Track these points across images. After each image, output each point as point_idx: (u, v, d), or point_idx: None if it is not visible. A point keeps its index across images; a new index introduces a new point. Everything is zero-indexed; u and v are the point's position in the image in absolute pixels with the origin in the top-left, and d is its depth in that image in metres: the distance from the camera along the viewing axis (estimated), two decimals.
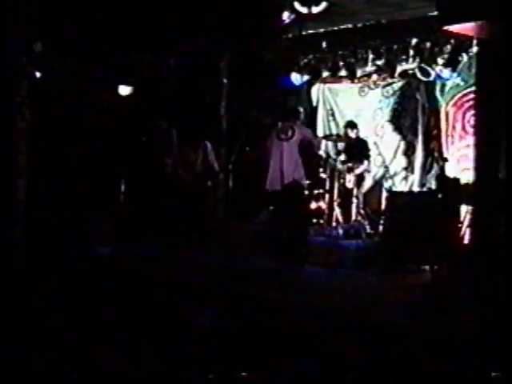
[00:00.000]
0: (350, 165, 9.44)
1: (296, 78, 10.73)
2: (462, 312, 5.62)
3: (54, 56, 9.71)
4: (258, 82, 10.46)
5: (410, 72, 9.95)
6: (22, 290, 5.23)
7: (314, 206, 9.19)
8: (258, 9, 9.32)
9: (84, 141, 10.33)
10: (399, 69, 9.92)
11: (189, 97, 10.65)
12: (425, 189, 9.75)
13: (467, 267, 6.56)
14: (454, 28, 6.72)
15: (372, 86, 10.72)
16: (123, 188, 10.07)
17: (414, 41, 9.54)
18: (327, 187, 9.44)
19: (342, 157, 9.86)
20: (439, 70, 9.51)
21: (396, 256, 8.00)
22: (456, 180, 8.68)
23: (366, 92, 10.81)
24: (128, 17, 9.51)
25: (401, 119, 10.46)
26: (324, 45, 10.35)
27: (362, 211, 9.32)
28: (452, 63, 9.35)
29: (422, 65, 9.61)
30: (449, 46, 9.23)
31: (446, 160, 9.39)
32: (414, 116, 10.28)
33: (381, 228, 9.02)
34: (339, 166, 9.58)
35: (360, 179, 9.47)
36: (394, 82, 10.46)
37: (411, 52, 9.59)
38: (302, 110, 8.83)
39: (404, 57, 9.70)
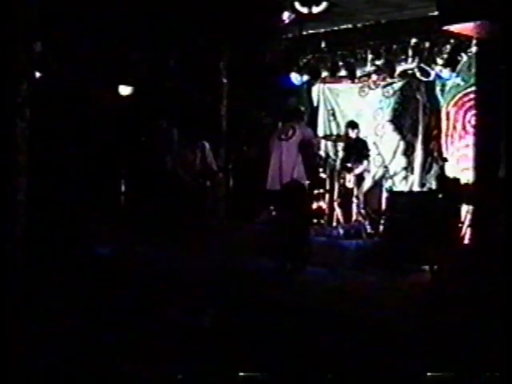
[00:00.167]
0: (349, 165, 9.45)
1: (296, 78, 10.74)
2: (462, 312, 5.62)
3: (54, 56, 9.70)
4: (258, 82, 10.46)
5: (410, 72, 9.97)
6: (21, 290, 5.23)
7: (314, 205, 9.19)
8: (258, 9, 9.33)
9: (84, 141, 10.32)
10: (399, 69, 9.94)
11: (189, 97, 10.65)
12: (425, 189, 9.76)
13: (467, 267, 6.55)
14: (454, 28, 6.73)
15: (372, 86, 10.73)
16: (123, 188, 10.07)
17: (413, 41, 9.55)
18: (327, 187, 9.45)
19: (342, 157, 9.87)
20: (439, 69, 9.53)
21: (396, 256, 8.00)
22: (456, 180, 8.70)
23: (366, 92, 10.82)
24: (128, 17, 9.51)
25: (401, 119, 10.47)
26: (324, 45, 10.37)
27: (362, 211, 9.33)
28: (451, 63, 9.36)
29: (422, 65, 9.63)
30: (448, 46, 9.25)
31: (445, 160, 9.40)
32: (415, 116, 10.28)
33: (381, 228, 9.04)
34: (339, 165, 9.59)
35: (360, 179, 9.48)
36: (394, 82, 10.47)
37: (411, 52, 9.61)
38: (303, 110, 8.84)
39: (403, 57, 9.72)
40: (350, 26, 10.03)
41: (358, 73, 10.40)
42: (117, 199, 10.08)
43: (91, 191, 9.70)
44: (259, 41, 10.23)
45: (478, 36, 7.23)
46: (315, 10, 8.61)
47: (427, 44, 9.42)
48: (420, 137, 10.21)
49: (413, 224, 8.06)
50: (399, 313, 5.92)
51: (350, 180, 9.43)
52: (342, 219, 9.26)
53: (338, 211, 9.30)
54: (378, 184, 10.14)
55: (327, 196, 9.38)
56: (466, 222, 8.17)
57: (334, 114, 11.21)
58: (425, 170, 10.06)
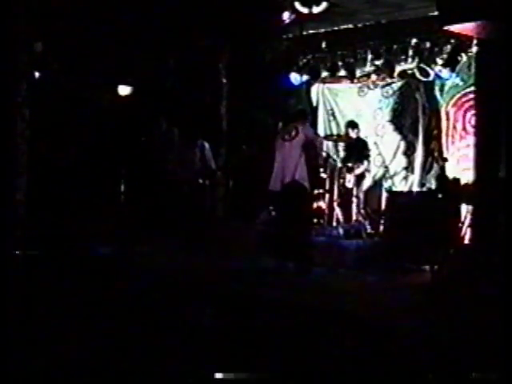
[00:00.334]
0: (349, 165, 9.45)
1: (295, 78, 10.74)
2: (462, 312, 5.62)
3: (54, 56, 9.71)
4: (258, 82, 10.46)
5: (409, 72, 9.96)
6: (21, 290, 5.23)
7: (314, 205, 9.18)
8: (258, 9, 9.33)
9: (84, 141, 10.32)
10: (398, 69, 9.94)
11: (189, 96, 10.65)
12: (425, 189, 9.76)
13: (467, 267, 6.56)
14: (454, 28, 6.74)
15: (371, 86, 10.72)
16: (123, 188, 10.07)
17: (413, 41, 9.55)
18: (327, 187, 9.44)
19: (343, 157, 9.87)
20: (438, 69, 9.53)
21: (396, 256, 8.00)
22: (456, 180, 8.70)
23: (366, 92, 10.81)
24: (128, 17, 9.51)
25: (401, 119, 10.47)
26: (324, 45, 10.36)
27: (362, 211, 9.33)
28: (451, 63, 9.36)
29: (421, 65, 9.62)
30: (448, 46, 9.25)
31: (445, 160, 9.40)
32: (415, 116, 10.28)
33: (381, 228, 9.03)
34: (339, 165, 9.59)
35: (360, 179, 9.47)
36: (393, 82, 10.46)
37: (410, 52, 9.61)
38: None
39: (403, 57, 9.71)
40: (350, 26, 10.03)
41: (358, 73, 10.40)
42: (117, 199, 10.07)
43: (91, 191, 9.70)
44: (259, 41, 10.23)
45: (478, 36, 7.23)
46: (315, 10, 8.60)
47: (427, 44, 9.41)
48: (420, 137, 10.20)
49: (413, 224, 8.05)
50: (399, 313, 5.92)
51: (349, 180, 9.43)
52: (341, 219, 9.26)
53: (337, 211, 9.29)
54: (377, 184, 10.14)
55: (327, 196, 9.37)
56: (466, 222, 8.16)
57: (333, 114, 11.20)
58: (425, 170, 10.06)
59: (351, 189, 9.39)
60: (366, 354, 4.63)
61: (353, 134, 9.75)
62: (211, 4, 9.23)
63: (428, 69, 9.63)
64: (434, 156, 9.93)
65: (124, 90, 10.91)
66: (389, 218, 8.81)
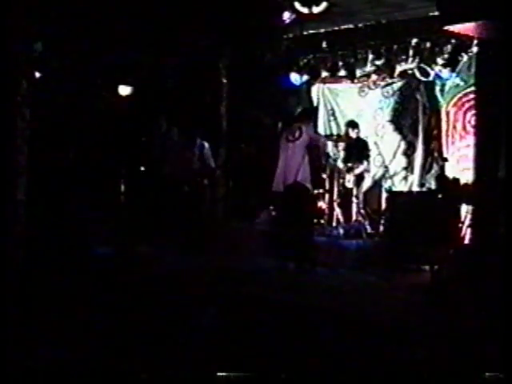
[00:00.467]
0: (349, 165, 9.45)
1: (295, 78, 10.74)
2: (462, 312, 5.62)
3: (54, 56, 9.70)
4: (258, 82, 10.46)
5: (410, 72, 9.96)
6: (22, 290, 5.23)
7: (316, 207, 9.19)
8: (258, 9, 9.32)
9: (84, 141, 10.32)
10: (398, 69, 9.94)
11: (189, 97, 10.65)
12: (425, 189, 9.75)
13: (467, 267, 6.55)
14: (455, 28, 6.74)
15: (372, 86, 10.72)
16: (123, 188, 10.07)
17: (413, 41, 9.55)
18: (327, 187, 9.44)
19: (343, 157, 9.87)
20: (438, 70, 9.53)
21: (396, 256, 8.00)
22: (456, 180, 8.70)
23: (366, 92, 10.81)
24: (128, 17, 9.51)
25: (401, 119, 10.46)
26: (324, 45, 10.36)
27: (362, 211, 9.33)
28: (451, 63, 9.36)
29: (422, 65, 9.62)
30: (449, 46, 9.24)
31: (445, 160, 9.40)
32: (415, 116, 10.28)
33: (381, 228, 9.04)
34: (339, 165, 9.59)
35: (360, 179, 9.48)
36: (393, 82, 10.46)
37: (411, 52, 9.61)
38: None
39: (403, 57, 9.71)
40: (350, 26, 10.02)
41: (358, 73, 10.40)
42: (117, 199, 10.08)
43: (91, 191, 9.71)
44: (259, 41, 10.23)
45: (479, 36, 7.23)
46: (315, 10, 8.60)
47: (428, 44, 9.41)
48: (420, 137, 10.20)
49: (413, 224, 8.05)
50: (399, 313, 5.92)
51: (349, 180, 9.43)
52: (341, 219, 9.26)
53: (337, 211, 9.30)
54: (377, 184, 10.14)
55: (327, 196, 9.37)
56: (466, 222, 8.17)
57: (333, 114, 11.20)
58: (425, 170, 10.06)
59: (351, 189, 9.39)
60: (366, 354, 4.63)
61: (353, 133, 9.75)
62: (211, 4, 9.23)
63: (428, 69, 9.64)
64: (434, 156, 9.93)
65: (124, 90, 10.91)
66: (389, 218, 8.81)
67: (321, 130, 11.23)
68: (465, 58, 9.30)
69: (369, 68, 10.19)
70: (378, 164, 10.43)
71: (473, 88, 8.90)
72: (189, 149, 9.69)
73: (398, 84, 10.44)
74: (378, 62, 9.97)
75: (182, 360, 4.51)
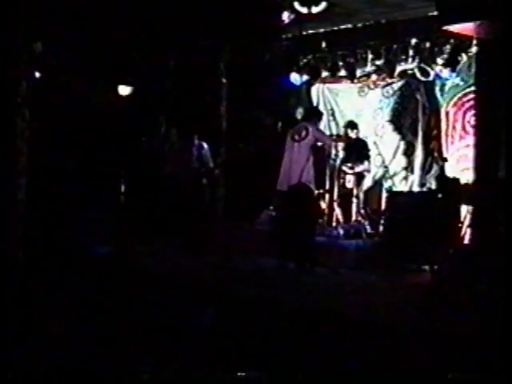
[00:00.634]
0: (349, 165, 9.44)
1: (295, 78, 10.73)
2: (462, 312, 5.62)
3: (54, 56, 9.70)
4: (258, 82, 10.46)
5: (410, 72, 9.96)
6: (22, 290, 5.23)
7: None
8: (258, 9, 9.32)
9: (84, 141, 10.33)
10: (398, 69, 9.93)
11: (189, 97, 10.66)
12: (425, 189, 9.75)
13: (467, 267, 6.55)
14: (454, 28, 6.73)
15: (372, 86, 10.71)
16: (123, 188, 10.08)
17: (413, 41, 9.54)
18: (327, 187, 9.44)
19: (342, 157, 9.86)
20: (439, 69, 9.52)
21: (396, 256, 8.00)
22: (456, 180, 8.69)
23: (366, 92, 10.81)
24: (128, 17, 9.51)
25: (401, 119, 10.46)
26: (324, 45, 10.35)
27: (362, 211, 9.33)
28: (451, 63, 9.35)
29: (422, 65, 9.61)
30: (448, 46, 9.24)
31: (445, 160, 9.40)
32: (415, 116, 10.27)
33: (381, 228, 9.03)
34: (339, 165, 9.58)
35: (360, 179, 9.47)
36: (393, 82, 10.45)
37: (411, 52, 9.60)
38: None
39: (403, 57, 9.70)
40: (350, 25, 10.02)
41: (358, 73, 10.39)
42: (117, 199, 10.08)
43: (91, 191, 9.71)
44: (259, 41, 10.22)
45: (478, 36, 7.22)
46: (315, 9, 8.60)
47: (427, 44, 9.40)
48: (420, 137, 10.19)
49: (413, 224, 8.05)
50: (399, 313, 5.92)
51: (349, 180, 9.43)
52: (341, 219, 9.25)
53: (337, 211, 9.29)
54: (377, 184, 10.13)
55: (327, 196, 9.37)
56: (466, 222, 8.16)
57: (333, 114, 11.19)
58: (425, 170, 10.05)
59: (351, 189, 9.39)
60: (366, 354, 4.64)
61: (352, 134, 9.75)
62: (211, 4, 9.23)
63: (428, 69, 9.62)
64: (434, 156, 9.92)
65: (124, 90, 10.92)
66: (389, 217, 8.80)
67: None
68: (464, 57, 9.29)
69: (369, 68, 10.18)
70: (378, 164, 10.42)
71: (473, 88, 8.89)
72: (187, 149, 9.71)
73: (398, 84, 10.43)
74: (377, 62, 9.97)
75: (182, 360, 4.51)
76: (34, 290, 5.65)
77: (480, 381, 4.15)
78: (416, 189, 9.99)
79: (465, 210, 8.33)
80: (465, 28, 6.68)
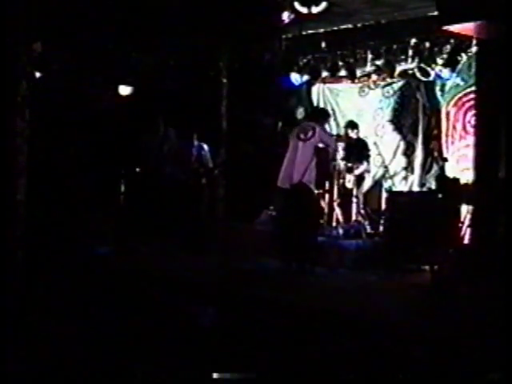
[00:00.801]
0: (349, 165, 9.44)
1: (296, 78, 10.74)
2: (462, 312, 5.63)
3: (54, 56, 9.71)
4: (258, 82, 10.45)
5: (410, 72, 9.96)
6: (22, 290, 5.23)
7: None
8: (258, 9, 9.32)
9: (84, 141, 10.33)
10: (398, 69, 9.93)
11: (189, 97, 10.65)
12: (425, 189, 9.75)
13: (467, 267, 6.56)
14: (454, 28, 6.74)
15: (372, 86, 10.71)
16: (123, 188, 10.08)
17: (413, 41, 9.54)
18: (327, 187, 9.44)
19: (342, 157, 9.85)
20: (439, 69, 9.52)
21: (396, 256, 8.00)
22: (456, 180, 8.69)
23: (366, 92, 10.81)
24: (128, 17, 9.51)
25: (401, 119, 10.46)
26: (323, 45, 10.36)
27: (362, 211, 9.32)
28: (451, 63, 9.35)
29: (422, 65, 9.61)
30: (448, 46, 9.24)
31: (445, 160, 9.39)
32: (415, 116, 10.27)
33: (381, 228, 9.03)
34: (339, 165, 9.58)
35: (360, 179, 9.47)
36: (393, 82, 10.45)
37: (410, 52, 9.60)
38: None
39: (403, 57, 9.71)
40: (349, 26, 10.02)
41: (358, 73, 10.39)
42: (117, 199, 10.08)
43: (91, 191, 9.71)
44: (259, 41, 10.23)
45: (478, 36, 7.23)
46: (315, 9, 8.60)
47: (427, 44, 9.41)
48: (420, 137, 10.19)
49: (413, 224, 8.05)
50: (399, 313, 5.92)
51: (349, 180, 9.42)
52: (341, 219, 9.25)
53: (337, 211, 9.28)
54: (377, 184, 10.13)
55: (327, 196, 9.36)
56: (466, 222, 8.16)
57: (333, 114, 11.18)
58: (425, 170, 10.05)
59: (351, 189, 9.38)
60: (366, 354, 4.63)
61: (352, 134, 9.74)
62: (211, 4, 9.23)
63: (428, 69, 9.63)
64: (434, 156, 9.92)
65: (124, 90, 10.91)
66: (389, 218, 8.80)
67: None
68: (464, 57, 9.29)
69: (369, 68, 10.19)
70: (378, 164, 10.42)
71: (473, 88, 8.90)
72: (187, 149, 9.71)
73: (398, 84, 10.43)
74: (377, 62, 9.97)
75: (182, 360, 4.51)
76: (34, 290, 5.65)
77: (480, 380, 4.15)
78: (416, 189, 10.00)
79: (465, 210, 8.33)
80: (465, 28, 6.69)
